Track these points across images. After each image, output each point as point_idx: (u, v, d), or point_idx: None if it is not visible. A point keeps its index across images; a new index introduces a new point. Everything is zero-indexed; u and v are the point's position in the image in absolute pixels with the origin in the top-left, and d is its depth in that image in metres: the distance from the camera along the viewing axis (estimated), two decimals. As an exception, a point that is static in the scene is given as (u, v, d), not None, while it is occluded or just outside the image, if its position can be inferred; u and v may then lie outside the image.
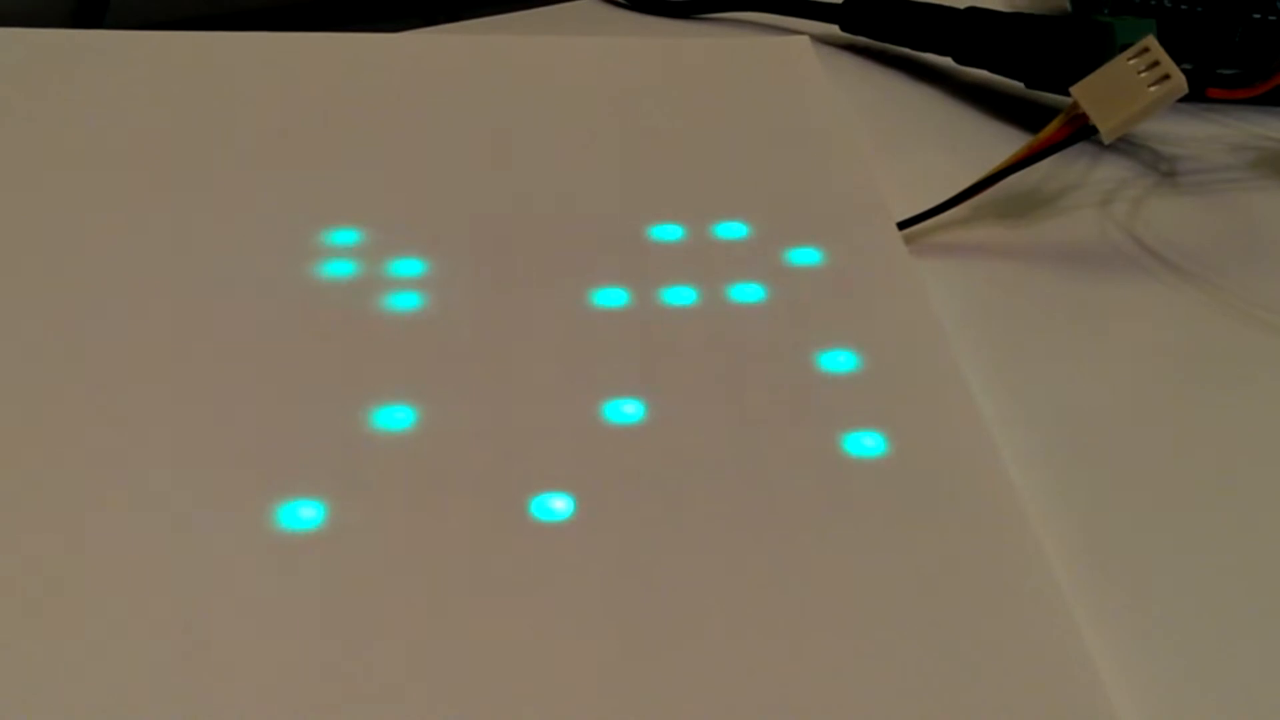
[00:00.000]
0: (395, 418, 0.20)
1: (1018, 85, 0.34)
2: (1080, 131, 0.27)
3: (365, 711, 0.16)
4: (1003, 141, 0.33)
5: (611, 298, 0.23)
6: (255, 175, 0.25)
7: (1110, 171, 0.32)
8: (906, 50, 0.37)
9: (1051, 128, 0.27)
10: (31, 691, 0.16)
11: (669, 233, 0.25)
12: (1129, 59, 0.26)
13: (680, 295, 0.23)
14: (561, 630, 0.17)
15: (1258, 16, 0.34)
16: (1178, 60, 0.26)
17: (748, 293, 0.23)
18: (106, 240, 0.23)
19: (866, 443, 0.20)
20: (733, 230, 0.25)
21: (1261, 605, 0.20)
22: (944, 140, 0.33)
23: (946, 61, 0.36)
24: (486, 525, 0.18)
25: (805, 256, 0.24)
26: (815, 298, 0.23)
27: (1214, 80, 0.30)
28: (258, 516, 0.18)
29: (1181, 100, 0.26)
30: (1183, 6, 0.34)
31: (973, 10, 0.35)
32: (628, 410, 0.21)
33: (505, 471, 0.19)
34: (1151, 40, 0.26)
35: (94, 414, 0.20)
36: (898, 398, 0.21)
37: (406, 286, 0.23)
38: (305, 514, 0.18)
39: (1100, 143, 0.27)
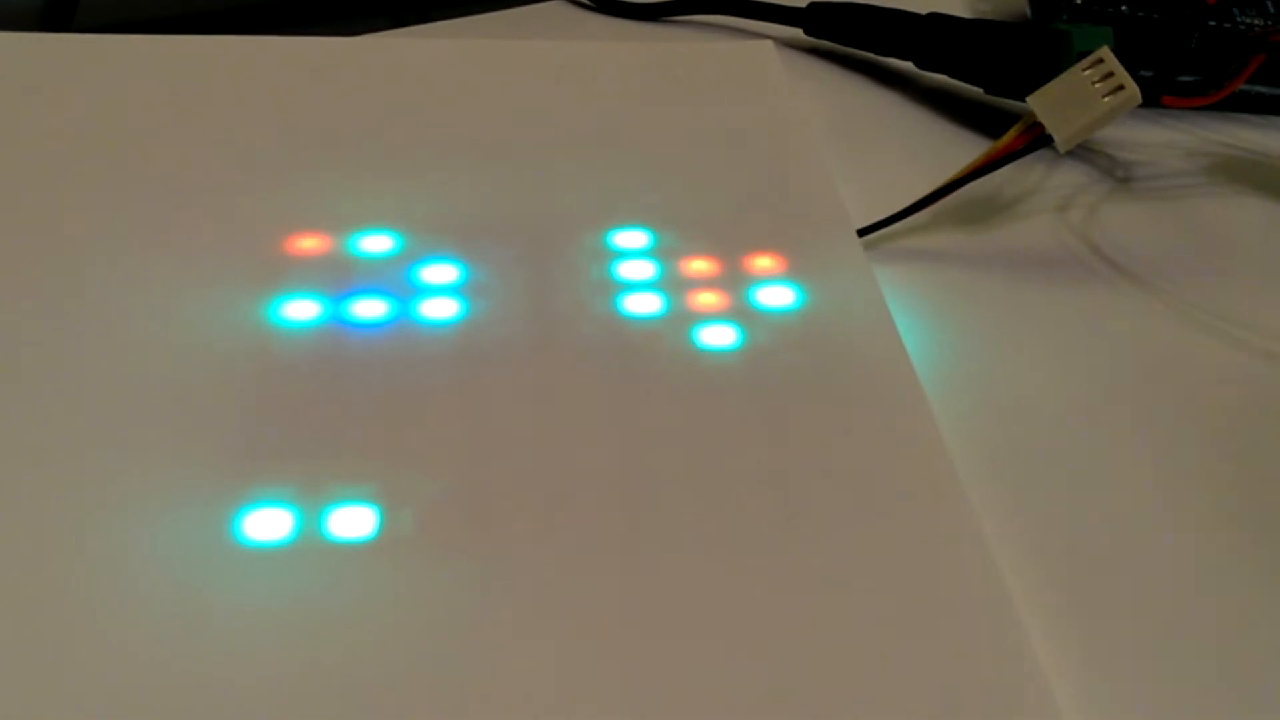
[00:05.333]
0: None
1: (977, 91, 0.35)
2: (1037, 140, 0.27)
3: None
4: (962, 146, 0.33)
5: (571, 306, 0.23)
6: (224, 181, 0.25)
7: (1067, 177, 0.32)
8: (869, 55, 0.37)
9: (1009, 136, 0.28)
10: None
11: (630, 239, 0.25)
12: (1084, 69, 0.27)
13: (642, 304, 0.23)
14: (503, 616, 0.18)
15: (1213, 24, 0.34)
16: (1135, 68, 0.27)
17: (708, 300, 0.24)
18: (74, 245, 0.23)
19: (822, 449, 0.21)
20: (693, 236, 0.25)
21: (1199, 600, 0.21)
22: (904, 145, 0.34)
23: (908, 66, 0.36)
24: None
25: (765, 264, 0.25)
26: (774, 305, 0.24)
27: (1170, 88, 0.30)
28: (222, 523, 0.18)
29: (1138, 106, 0.27)
30: (1139, 14, 0.35)
31: (934, 16, 0.35)
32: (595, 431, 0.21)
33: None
34: (1106, 51, 0.27)
35: (55, 424, 0.20)
36: (853, 403, 0.22)
37: (371, 284, 0.23)
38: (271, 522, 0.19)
39: (1057, 150, 0.28)
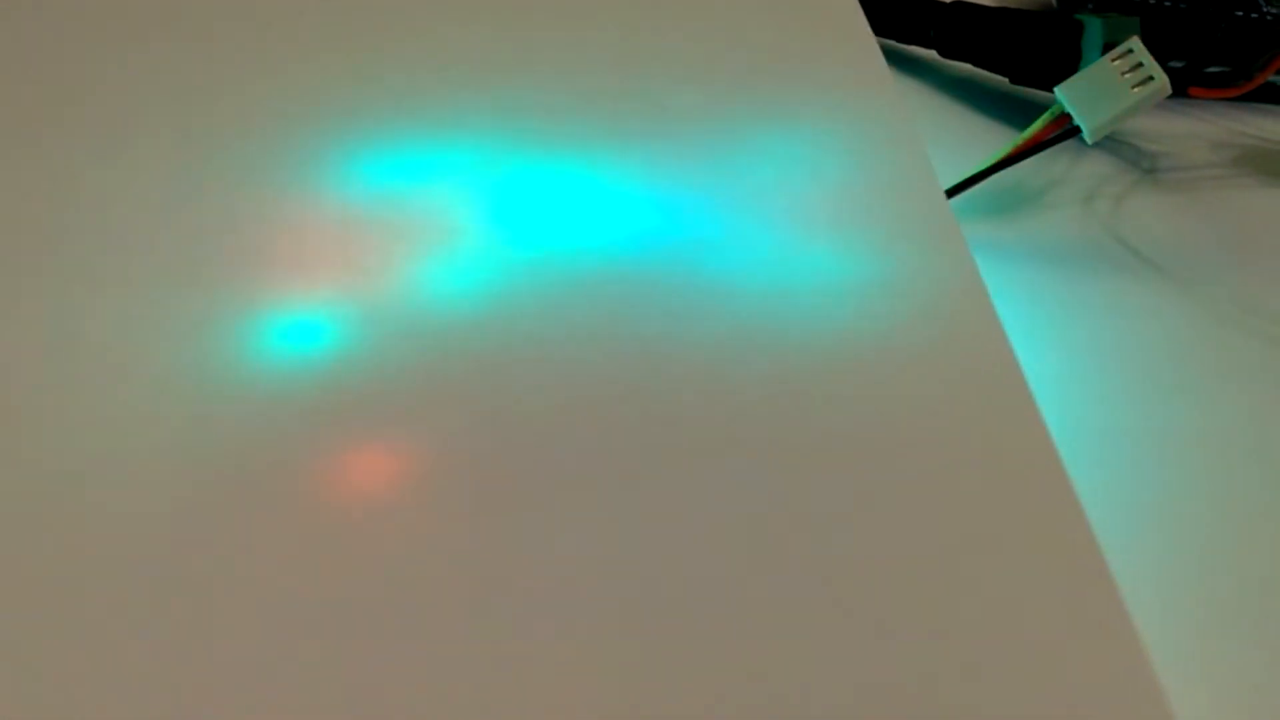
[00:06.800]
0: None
1: (1002, 80, 0.35)
2: (1065, 131, 0.27)
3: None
4: (986, 136, 0.33)
5: (626, 246, 0.22)
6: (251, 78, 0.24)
7: (1092, 168, 0.32)
8: (891, 42, 0.37)
9: (1036, 127, 0.27)
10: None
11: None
12: (1113, 60, 0.27)
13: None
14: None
15: (1240, 14, 0.34)
16: (1163, 58, 0.26)
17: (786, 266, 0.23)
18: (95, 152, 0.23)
19: (920, 422, 0.20)
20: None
21: (1246, 601, 0.21)
22: (927, 134, 0.33)
23: (931, 54, 0.36)
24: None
25: (848, 232, 0.24)
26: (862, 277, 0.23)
27: (1198, 79, 0.30)
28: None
29: (1165, 97, 0.27)
30: (1166, 4, 0.35)
31: (958, 4, 0.35)
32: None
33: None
34: (1136, 41, 0.26)
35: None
36: (948, 375, 0.21)
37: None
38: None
39: (1084, 140, 0.27)
